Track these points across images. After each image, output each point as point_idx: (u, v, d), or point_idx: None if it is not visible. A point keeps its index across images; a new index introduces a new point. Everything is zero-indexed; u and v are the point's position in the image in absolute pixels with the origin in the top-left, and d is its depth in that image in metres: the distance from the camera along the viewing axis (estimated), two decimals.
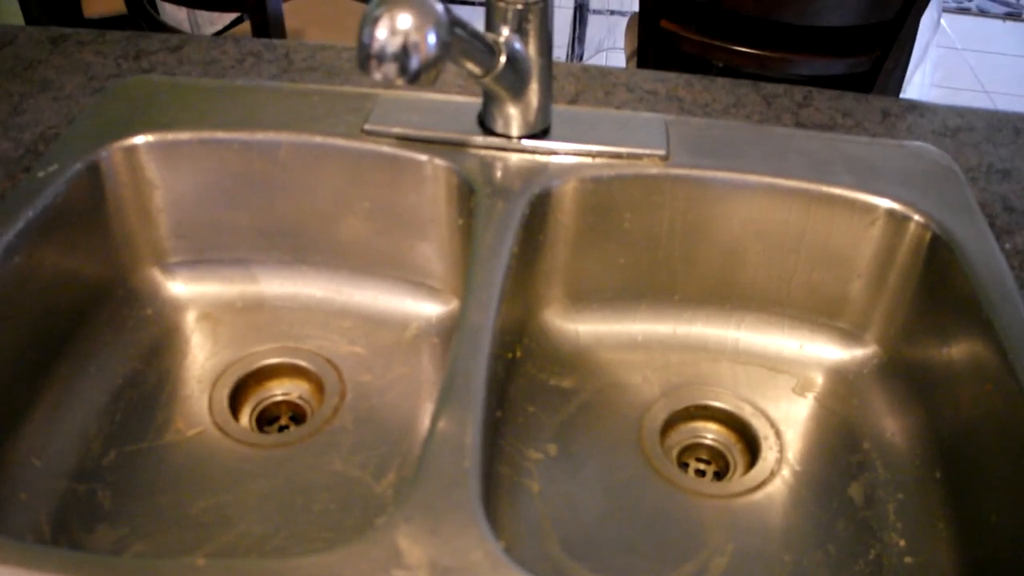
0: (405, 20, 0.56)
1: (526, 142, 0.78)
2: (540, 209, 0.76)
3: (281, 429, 0.81)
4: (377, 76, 0.55)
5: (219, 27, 2.09)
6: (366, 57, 0.56)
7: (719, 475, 0.79)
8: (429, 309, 0.84)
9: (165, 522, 0.71)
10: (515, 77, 0.74)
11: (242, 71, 0.91)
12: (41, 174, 0.76)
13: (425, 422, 0.78)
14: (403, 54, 0.56)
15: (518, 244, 0.71)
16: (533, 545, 0.69)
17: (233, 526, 0.71)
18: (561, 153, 0.79)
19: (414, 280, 0.84)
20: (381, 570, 0.50)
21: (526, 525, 0.70)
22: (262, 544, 0.70)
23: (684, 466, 0.79)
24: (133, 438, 0.77)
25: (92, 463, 0.75)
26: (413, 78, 0.55)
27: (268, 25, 1.57)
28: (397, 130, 0.79)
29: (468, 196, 0.76)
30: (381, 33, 0.56)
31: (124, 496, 0.73)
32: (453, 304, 0.83)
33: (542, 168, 0.77)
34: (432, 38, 0.56)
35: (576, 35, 2.70)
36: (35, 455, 0.74)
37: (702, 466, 0.80)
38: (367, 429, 0.78)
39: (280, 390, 0.82)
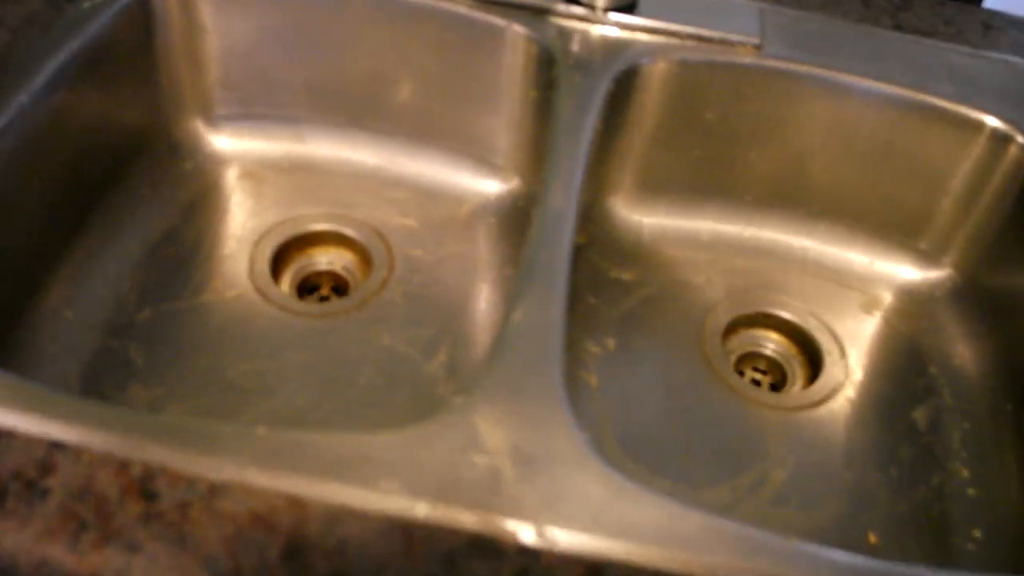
0: None
1: (612, 15, 0.72)
2: (624, 88, 0.71)
3: (323, 299, 0.76)
4: None
5: None
6: None
7: (774, 387, 0.76)
8: (488, 186, 0.79)
9: (201, 384, 0.68)
10: None
11: None
12: (87, 4, 0.70)
13: (479, 304, 0.74)
14: None
15: (601, 122, 0.66)
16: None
17: (273, 394, 0.68)
18: (649, 31, 0.73)
19: (475, 154, 0.79)
20: (459, 451, 0.46)
21: (584, 420, 0.66)
22: (304, 415, 0.66)
23: (740, 374, 0.75)
24: (169, 295, 0.72)
25: (125, 319, 0.70)
26: None
27: None
28: None
29: (547, 68, 0.71)
30: None
31: (159, 355, 0.69)
32: (514, 183, 0.78)
33: (628, 45, 0.72)
34: None
35: None
36: (67, 306, 0.70)
37: (758, 376, 0.76)
38: (416, 306, 0.73)
39: (324, 258, 0.78)
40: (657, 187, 0.79)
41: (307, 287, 0.77)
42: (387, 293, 0.74)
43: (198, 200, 0.79)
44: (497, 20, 0.72)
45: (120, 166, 0.76)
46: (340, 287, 0.77)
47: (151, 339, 0.70)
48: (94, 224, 0.73)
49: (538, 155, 0.73)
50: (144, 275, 0.73)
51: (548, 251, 0.57)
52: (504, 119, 0.76)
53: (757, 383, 0.75)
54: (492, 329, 0.71)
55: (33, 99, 0.65)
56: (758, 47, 0.73)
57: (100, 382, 0.68)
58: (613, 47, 0.71)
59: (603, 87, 0.68)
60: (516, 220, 0.76)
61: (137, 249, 0.75)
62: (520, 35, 0.72)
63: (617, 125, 0.72)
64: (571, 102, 0.67)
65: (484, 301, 0.73)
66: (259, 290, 0.74)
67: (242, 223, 0.78)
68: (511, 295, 0.54)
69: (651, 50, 0.72)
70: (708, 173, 0.78)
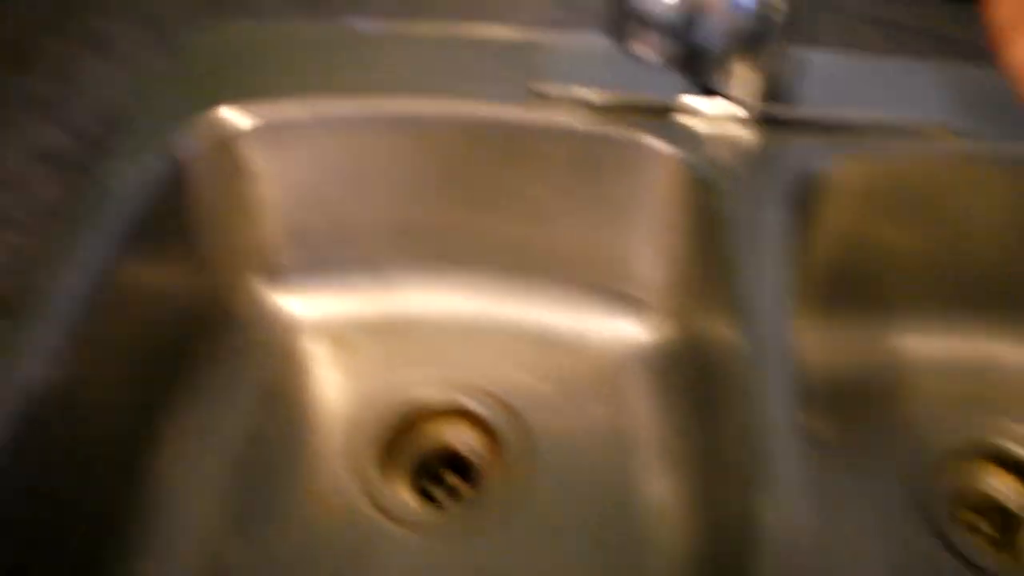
0: None
1: (767, 107, 0.57)
2: (805, 202, 0.56)
3: (451, 492, 0.62)
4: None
5: None
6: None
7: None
8: (632, 331, 0.64)
9: None
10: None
11: (350, 3, 0.69)
12: (107, 182, 0.55)
13: (642, 487, 0.59)
14: None
15: (787, 250, 0.52)
16: None
17: None
18: (813, 125, 0.58)
19: (612, 290, 0.64)
20: None
21: None
22: None
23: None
24: (262, 521, 0.58)
25: (211, 558, 0.56)
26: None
27: None
28: (581, 91, 0.58)
29: (699, 185, 0.56)
30: None
31: None
32: (668, 327, 0.63)
33: (792, 144, 0.57)
34: None
35: None
36: (146, 558, 0.55)
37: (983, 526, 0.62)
38: (566, 498, 0.59)
39: (440, 440, 0.63)
40: (879, 309, 0.64)
41: (426, 476, 0.62)
42: (523, 481, 0.59)
43: (275, 381, 0.64)
44: (620, 131, 0.58)
45: (182, 356, 0.61)
46: (464, 470, 0.63)
47: None
48: (163, 431, 0.59)
49: (700, 293, 0.58)
50: (229, 495, 0.59)
51: (773, 425, 0.43)
52: (648, 248, 0.62)
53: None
54: (676, 533, 0.56)
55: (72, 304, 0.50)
56: (951, 129, 0.58)
57: None
58: (776, 150, 0.56)
59: (779, 203, 0.53)
60: (679, 376, 0.61)
61: (215, 461, 0.61)
62: (656, 147, 0.57)
63: (806, 249, 0.57)
64: (743, 227, 0.52)
65: (656, 490, 0.58)
66: (370, 496, 0.59)
67: (334, 408, 0.64)
68: (714, 482, 0.40)
69: (825, 149, 0.57)
70: (935, 285, 0.63)
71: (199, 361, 0.63)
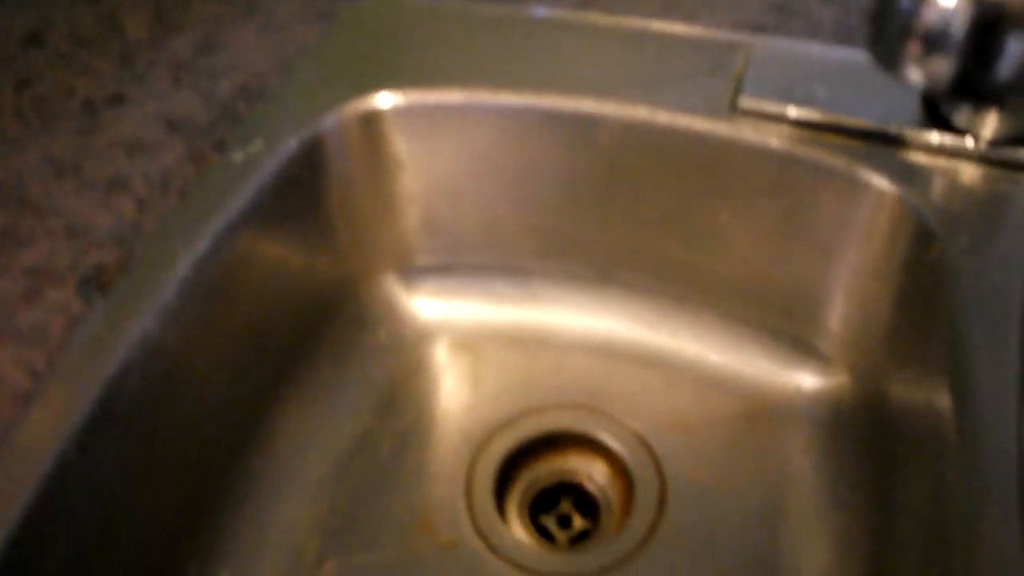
0: None
1: (1007, 150, 0.47)
2: None
3: (570, 533, 0.54)
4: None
5: None
6: None
7: None
8: (801, 379, 0.55)
9: None
10: None
11: None
12: (239, 156, 0.51)
13: (789, 561, 0.50)
14: None
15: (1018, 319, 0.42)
16: None
17: None
18: None
19: (787, 333, 0.55)
20: None
21: None
22: None
23: None
24: (360, 542, 0.52)
25: None
26: None
27: None
28: (791, 110, 0.49)
29: (913, 230, 0.46)
30: None
31: None
32: (842, 378, 0.54)
33: None
34: None
35: None
36: (226, 565, 0.50)
37: None
38: (697, 558, 0.51)
39: (565, 473, 0.56)
40: None
41: (544, 509, 0.55)
42: (650, 535, 0.51)
43: (396, 386, 0.59)
44: (836, 160, 0.48)
45: (299, 346, 0.57)
46: (587, 508, 0.55)
47: None
48: (265, 429, 0.54)
49: (898, 353, 0.49)
50: (327, 508, 0.53)
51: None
52: (837, 292, 0.52)
53: None
54: None
55: (188, 277, 0.45)
56: None
57: None
58: (1015, 201, 0.46)
59: (1012, 262, 0.43)
60: (852, 439, 0.52)
61: (320, 467, 0.55)
62: (872, 181, 0.48)
63: None
64: (964, 287, 0.42)
65: (806, 568, 0.49)
66: (483, 535, 0.52)
67: (455, 421, 0.57)
68: None
69: None
70: None
71: (318, 357, 0.58)
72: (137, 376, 0.43)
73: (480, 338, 0.60)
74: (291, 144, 0.52)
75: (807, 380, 0.55)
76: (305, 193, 0.54)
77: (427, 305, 0.61)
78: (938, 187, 0.47)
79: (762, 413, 0.55)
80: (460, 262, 0.61)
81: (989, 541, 0.35)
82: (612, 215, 0.56)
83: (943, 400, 0.41)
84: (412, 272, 0.60)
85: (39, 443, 0.40)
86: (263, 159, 0.51)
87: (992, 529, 0.35)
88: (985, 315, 0.41)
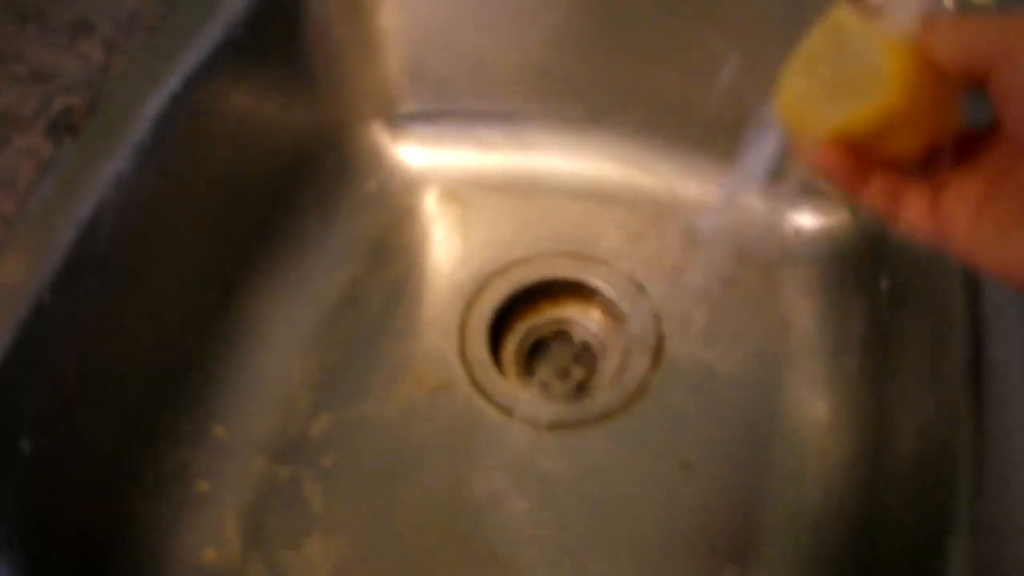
0: None
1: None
2: None
3: (570, 383, 0.53)
4: None
5: None
6: None
7: None
8: (803, 219, 0.54)
9: (405, 547, 0.47)
10: None
11: None
12: None
13: (789, 401, 0.49)
14: None
15: None
16: None
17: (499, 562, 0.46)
18: None
19: (784, 171, 0.53)
20: None
21: None
22: None
23: None
24: (352, 393, 0.51)
25: (296, 432, 0.50)
26: None
27: None
28: None
29: None
30: None
31: (341, 489, 0.48)
32: (842, 216, 0.52)
33: None
34: None
35: None
36: (218, 420, 0.49)
37: None
38: (700, 409, 0.50)
39: (559, 320, 0.55)
40: None
41: (538, 357, 0.54)
42: (646, 378, 0.50)
43: (384, 237, 0.57)
44: None
45: (280, 199, 0.54)
46: (582, 354, 0.54)
47: (331, 465, 0.49)
48: (249, 287, 0.53)
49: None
50: (318, 361, 0.52)
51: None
52: None
53: None
54: (828, 460, 0.46)
55: (160, 117, 0.43)
56: None
57: (266, 534, 0.48)
58: None
59: None
60: (847, 274, 0.51)
61: (308, 319, 0.54)
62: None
63: None
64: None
65: (807, 411, 0.48)
66: (475, 382, 0.51)
67: (448, 272, 0.56)
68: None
69: None
70: None
71: (303, 207, 0.56)
72: (112, 219, 0.41)
73: (470, 186, 0.58)
74: None
75: (807, 220, 0.53)
76: (279, 34, 0.52)
77: (414, 153, 0.58)
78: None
79: (760, 255, 0.54)
80: (447, 108, 0.58)
81: (992, 367, 0.34)
82: (605, 49, 0.54)
83: None
84: (397, 119, 0.58)
85: (13, 289, 0.38)
86: None
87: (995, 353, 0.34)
88: None
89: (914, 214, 0.27)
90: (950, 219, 0.26)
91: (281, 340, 0.53)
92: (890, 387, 0.47)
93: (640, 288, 0.54)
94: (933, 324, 0.42)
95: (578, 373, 0.54)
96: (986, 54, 0.23)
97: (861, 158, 0.26)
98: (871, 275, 0.50)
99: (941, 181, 0.26)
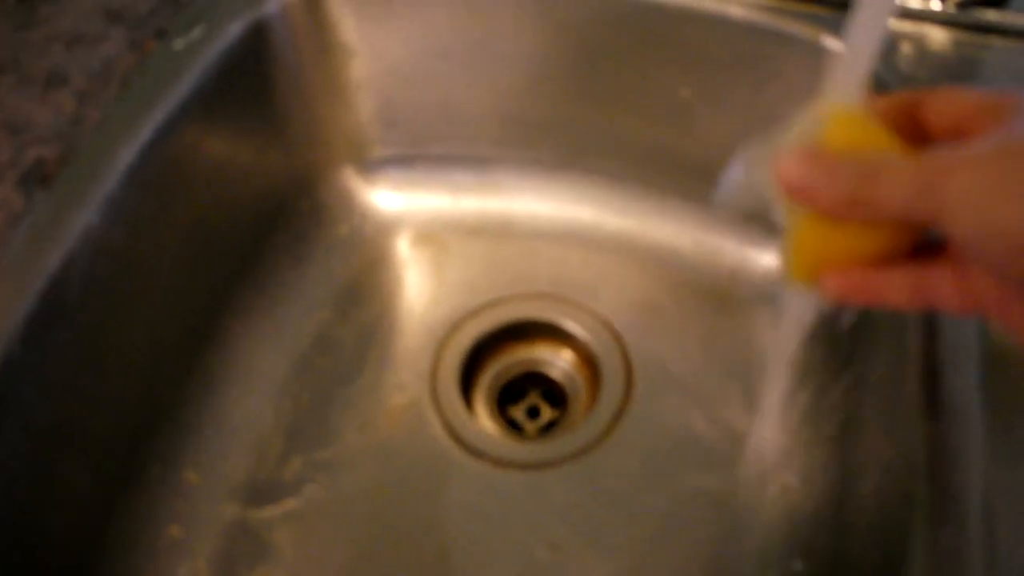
0: None
1: (975, 12, 0.45)
2: None
3: (538, 423, 0.54)
4: None
5: None
6: None
7: None
8: (772, 260, 0.54)
9: None
10: None
11: None
12: (180, 44, 0.48)
13: (754, 440, 0.50)
14: None
15: None
16: None
17: None
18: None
19: (754, 212, 0.54)
20: None
21: None
22: None
23: None
24: (325, 436, 0.52)
25: (267, 476, 0.50)
26: None
27: None
28: None
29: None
30: None
31: (311, 535, 0.48)
32: None
33: (987, 56, 0.45)
34: None
35: None
36: (191, 465, 0.50)
37: None
38: (663, 441, 0.50)
39: (531, 362, 0.55)
40: None
41: (511, 398, 0.55)
42: (625, 426, 0.51)
43: (357, 281, 0.58)
44: (799, 29, 0.46)
45: (253, 245, 0.55)
46: (553, 396, 0.55)
47: (301, 509, 0.49)
48: (223, 326, 0.53)
49: None
50: (291, 404, 0.53)
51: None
52: None
53: None
54: (787, 494, 0.47)
55: (132, 168, 0.44)
56: None
57: None
58: (974, 58, 0.45)
59: None
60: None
61: (281, 363, 0.54)
62: (830, 48, 0.46)
63: None
64: None
65: (773, 447, 0.49)
66: (448, 426, 0.52)
67: (420, 315, 0.56)
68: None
69: None
70: None
71: (276, 253, 0.56)
72: (82, 270, 0.41)
73: (443, 229, 0.59)
74: (233, 30, 0.50)
75: (765, 258, 0.54)
76: (251, 82, 0.52)
77: (387, 198, 0.59)
78: (904, 53, 0.45)
79: (730, 296, 0.54)
80: (420, 152, 0.59)
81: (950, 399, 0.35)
82: (575, 95, 0.54)
83: None
84: (370, 164, 0.59)
85: None
86: (205, 46, 0.49)
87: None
88: None
89: (946, 295, 0.26)
90: (977, 285, 0.25)
91: (253, 384, 0.53)
92: (854, 418, 0.47)
93: (612, 330, 0.54)
94: (891, 360, 0.43)
95: (548, 414, 0.54)
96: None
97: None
98: (833, 314, 0.51)
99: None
